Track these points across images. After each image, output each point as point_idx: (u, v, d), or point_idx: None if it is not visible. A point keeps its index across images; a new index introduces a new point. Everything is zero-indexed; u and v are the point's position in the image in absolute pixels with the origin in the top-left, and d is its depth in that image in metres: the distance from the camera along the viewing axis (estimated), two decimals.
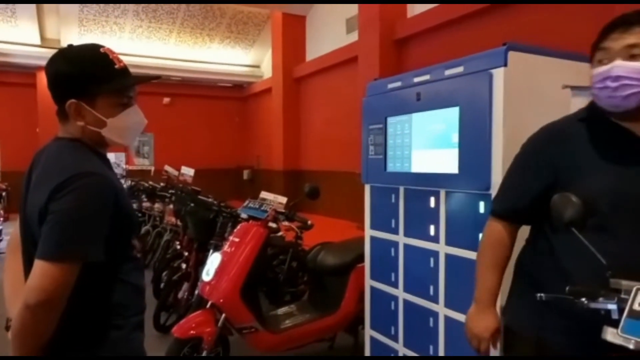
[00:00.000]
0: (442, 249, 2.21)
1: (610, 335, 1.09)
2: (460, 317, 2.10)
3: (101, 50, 1.27)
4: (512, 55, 1.88)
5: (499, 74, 1.89)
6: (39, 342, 1.12)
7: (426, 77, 2.29)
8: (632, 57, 1.20)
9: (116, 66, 1.26)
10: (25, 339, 1.11)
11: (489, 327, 1.48)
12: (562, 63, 2.04)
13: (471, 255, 2.02)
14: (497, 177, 1.90)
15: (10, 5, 9.08)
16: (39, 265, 1.09)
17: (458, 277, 2.13)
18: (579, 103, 1.89)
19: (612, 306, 1.12)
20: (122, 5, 9.73)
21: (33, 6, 9.16)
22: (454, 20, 6.00)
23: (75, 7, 9.45)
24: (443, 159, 2.19)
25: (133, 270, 1.30)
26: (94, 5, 9.55)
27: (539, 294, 1.22)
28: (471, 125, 2.02)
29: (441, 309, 2.23)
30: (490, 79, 1.91)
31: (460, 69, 2.09)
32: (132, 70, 1.33)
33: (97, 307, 1.21)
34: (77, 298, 1.13)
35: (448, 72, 2.15)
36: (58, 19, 9.70)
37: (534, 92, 1.95)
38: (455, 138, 2.11)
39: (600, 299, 1.13)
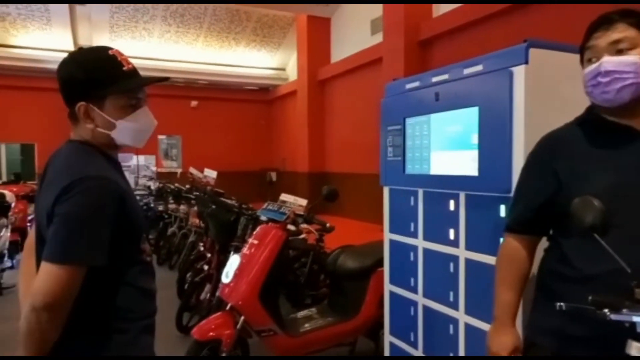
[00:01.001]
0: (462, 253, 2.14)
1: (635, 350, 1.03)
2: (480, 324, 2.03)
3: (109, 52, 1.27)
4: (534, 52, 1.80)
5: (519, 72, 1.81)
6: (45, 344, 1.12)
7: (445, 77, 2.23)
8: (619, 52, 1.24)
9: (124, 68, 1.26)
10: (31, 341, 1.11)
11: (507, 345, 1.45)
12: None
13: (491, 260, 1.94)
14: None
15: (45, 13, 9.41)
16: (44, 267, 1.10)
17: (478, 283, 2.06)
18: None
19: (637, 318, 1.05)
20: (151, 11, 9.95)
21: (67, 13, 9.47)
22: (479, 20, 5.88)
23: (106, 13, 9.72)
24: (462, 161, 2.12)
25: (141, 274, 1.29)
26: (124, 11, 9.80)
27: (558, 304, 1.16)
28: (491, 125, 1.95)
29: (461, 316, 2.16)
30: (510, 78, 1.83)
31: (479, 68, 2.02)
32: (159, 74, 1.33)
33: (99, 310, 1.20)
34: (80, 301, 1.13)
35: (467, 71, 2.09)
36: (90, 26, 10.00)
37: (557, 91, 1.86)
38: (474, 139, 2.04)
39: (625, 310, 1.06)
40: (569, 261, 1.30)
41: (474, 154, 2.04)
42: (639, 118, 1.27)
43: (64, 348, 1.15)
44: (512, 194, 1.85)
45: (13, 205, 5.80)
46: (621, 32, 1.24)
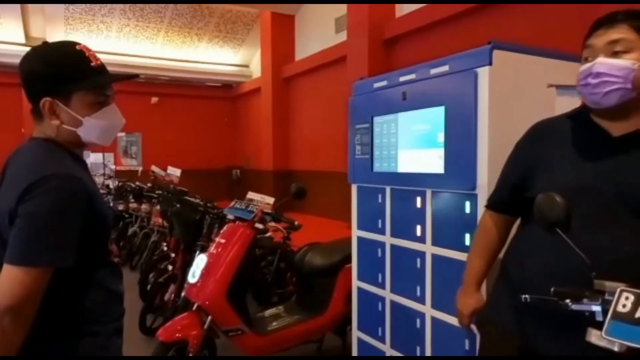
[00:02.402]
0: (429, 249, 2.19)
1: (595, 337, 1.08)
2: (446, 317, 2.09)
3: (77, 47, 1.23)
4: (497, 54, 1.86)
5: (484, 72, 1.87)
6: (9, 348, 1.07)
7: (412, 76, 2.27)
8: (615, 54, 1.21)
9: (92, 64, 1.22)
10: None
11: (470, 305, 1.62)
12: (547, 62, 2.03)
13: (457, 255, 2.01)
14: (482, 176, 1.88)
15: None
16: (6, 269, 1.05)
17: (444, 278, 2.12)
18: (563, 102, 1.89)
19: (596, 308, 1.11)
20: (109, 4, 9.62)
21: (17, 5, 9.02)
22: (443, 20, 6.00)
23: (60, 5, 9.32)
24: (429, 159, 2.17)
25: (109, 275, 1.26)
26: (80, 4, 9.44)
27: (523, 296, 1.20)
28: (457, 124, 2.01)
29: (428, 310, 2.21)
30: (475, 78, 1.89)
31: (445, 68, 2.07)
32: (118, 69, 1.29)
33: (69, 313, 1.17)
34: (48, 304, 1.09)
35: (433, 71, 2.14)
36: (43, 18, 9.57)
37: (519, 91, 1.94)
38: (441, 138, 2.09)
39: (585, 300, 1.12)
40: (529, 252, 1.35)
41: (440, 152, 2.09)
42: (619, 122, 1.25)
43: (33, 353, 1.11)
44: (476, 191, 1.92)
45: None
46: (621, 33, 1.20)
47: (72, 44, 1.24)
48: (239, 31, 11.40)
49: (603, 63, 1.21)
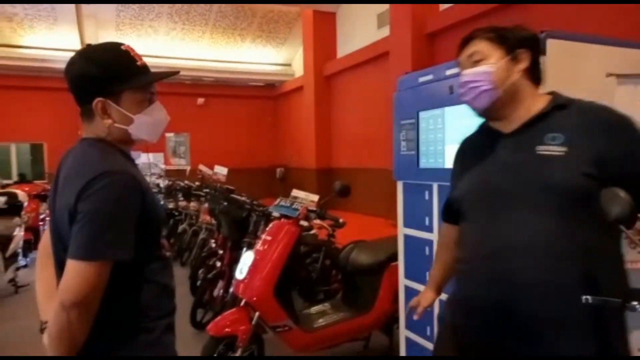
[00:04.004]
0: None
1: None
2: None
3: (122, 47, 1.26)
4: (551, 43, 1.78)
5: None
6: (75, 343, 1.12)
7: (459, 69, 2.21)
8: (475, 64, 1.36)
9: (138, 63, 1.26)
10: (61, 341, 1.11)
11: (426, 299, 1.73)
12: (605, 50, 1.92)
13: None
14: None
15: (52, 12, 9.45)
16: (71, 265, 1.09)
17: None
18: (624, 92, 1.79)
19: None
20: (157, 9, 9.96)
21: (73, 12, 9.49)
22: (488, 12, 5.82)
23: (112, 12, 9.74)
24: None
25: (162, 270, 1.29)
26: (130, 9, 9.82)
27: (584, 297, 1.15)
28: None
29: None
30: None
31: None
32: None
33: (126, 308, 1.20)
34: (106, 299, 1.13)
35: None
36: (96, 24, 10.02)
37: (576, 82, 1.84)
38: None
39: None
40: (462, 246, 1.47)
41: None
42: (506, 122, 1.37)
43: (91, 348, 1.15)
44: None
45: (26, 204, 5.85)
46: (475, 45, 1.37)
47: (118, 45, 1.27)
48: (281, 30, 11.51)
49: (465, 74, 1.38)
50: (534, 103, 1.35)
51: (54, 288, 1.21)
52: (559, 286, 1.20)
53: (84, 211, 1.10)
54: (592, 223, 1.20)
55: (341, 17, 10.23)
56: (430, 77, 2.45)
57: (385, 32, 7.85)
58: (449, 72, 2.30)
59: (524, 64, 1.34)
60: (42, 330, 1.25)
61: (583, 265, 1.20)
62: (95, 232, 1.10)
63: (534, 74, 1.37)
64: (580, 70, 1.86)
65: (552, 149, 1.25)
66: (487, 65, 1.33)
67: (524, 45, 1.35)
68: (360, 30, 9.30)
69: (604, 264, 1.23)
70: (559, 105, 1.32)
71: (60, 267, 1.17)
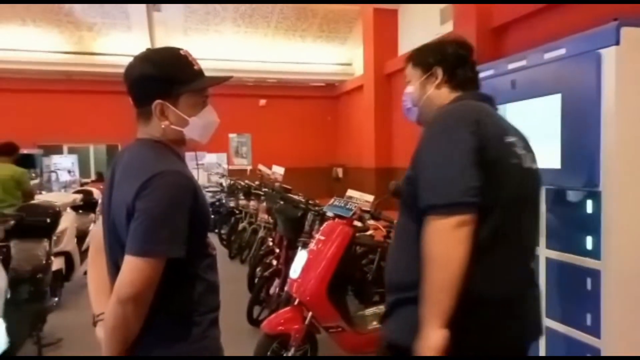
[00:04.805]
0: (542, 252, 1.99)
1: None
2: (562, 328, 1.88)
3: (181, 52, 1.30)
4: (626, 32, 1.62)
5: (609, 54, 1.64)
6: (130, 336, 1.17)
7: (522, 63, 2.08)
8: (407, 84, 1.61)
9: (195, 67, 1.29)
10: (116, 334, 1.17)
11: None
12: None
13: (576, 260, 1.80)
14: (608, 172, 1.66)
15: (126, 20, 10.04)
16: (128, 260, 1.14)
17: (560, 284, 1.90)
18: None
19: None
20: (222, 13, 10.30)
21: (145, 20, 10.03)
22: (556, 4, 5.45)
23: (180, 18, 10.19)
24: (543, 153, 1.95)
25: (208, 267, 1.32)
26: (197, 14, 10.23)
27: None
28: (576, 114, 1.79)
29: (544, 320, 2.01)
30: (598, 61, 1.67)
31: (561, 52, 1.86)
32: (230, 74, 1.36)
33: (179, 304, 1.24)
34: (160, 295, 1.17)
35: (547, 56, 1.93)
36: (166, 30, 10.53)
37: None
38: (557, 129, 1.88)
39: None
40: None
41: (556, 145, 1.89)
42: None
43: (147, 342, 1.19)
44: (600, 188, 1.70)
45: (100, 201, 6.26)
46: (406, 68, 1.63)
47: (177, 49, 1.31)
48: (341, 30, 11.50)
49: (404, 93, 1.63)
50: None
51: (104, 281, 1.27)
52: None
53: (141, 209, 1.15)
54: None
55: (403, 13, 10.04)
56: (491, 72, 2.33)
57: (449, 27, 7.60)
58: (511, 66, 2.18)
59: (438, 79, 1.51)
60: (94, 323, 1.31)
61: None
62: (151, 230, 1.14)
63: (452, 82, 1.50)
64: None
65: None
66: (410, 87, 1.60)
67: (438, 61, 1.52)
68: (422, 26, 9.07)
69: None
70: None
71: (113, 261, 1.22)
